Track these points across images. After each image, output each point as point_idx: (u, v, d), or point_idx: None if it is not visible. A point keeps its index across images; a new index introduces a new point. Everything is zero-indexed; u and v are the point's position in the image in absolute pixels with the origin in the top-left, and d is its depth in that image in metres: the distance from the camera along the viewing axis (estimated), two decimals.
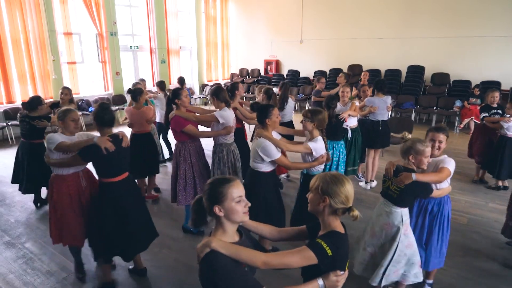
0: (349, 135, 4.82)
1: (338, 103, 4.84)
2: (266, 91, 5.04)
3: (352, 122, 4.88)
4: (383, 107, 5.09)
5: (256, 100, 5.44)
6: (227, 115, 3.81)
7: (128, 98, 6.15)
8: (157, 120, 6.04)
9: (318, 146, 3.15)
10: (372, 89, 5.46)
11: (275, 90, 6.20)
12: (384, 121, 5.18)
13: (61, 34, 9.01)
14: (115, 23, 9.89)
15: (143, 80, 6.75)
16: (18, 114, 4.57)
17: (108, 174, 2.91)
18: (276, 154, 3.07)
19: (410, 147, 2.58)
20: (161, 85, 6.55)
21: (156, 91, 6.81)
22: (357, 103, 4.91)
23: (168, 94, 5.78)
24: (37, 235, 4.04)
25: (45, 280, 3.26)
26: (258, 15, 13.17)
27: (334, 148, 4.32)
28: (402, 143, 2.65)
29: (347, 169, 4.85)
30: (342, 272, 1.59)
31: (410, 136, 2.66)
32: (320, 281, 1.55)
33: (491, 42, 9.22)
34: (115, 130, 2.98)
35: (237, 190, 1.53)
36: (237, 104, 4.58)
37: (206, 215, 1.60)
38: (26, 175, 4.51)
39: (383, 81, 5.28)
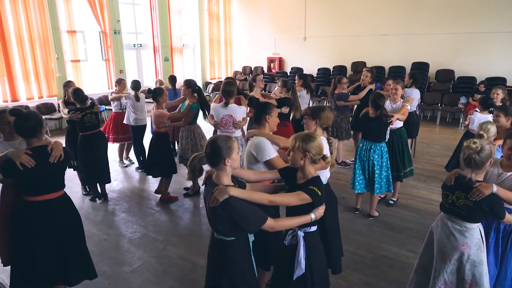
0: (387, 137, 4.18)
1: (388, 103, 4.43)
2: (284, 83, 4.83)
3: (396, 124, 4.33)
4: (417, 98, 5.32)
5: (274, 92, 5.41)
6: (216, 110, 4.01)
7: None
8: (132, 123, 5.73)
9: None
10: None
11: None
12: (415, 111, 5.44)
13: (65, 32, 9.03)
14: (118, 21, 9.90)
15: (122, 80, 6.06)
16: (77, 112, 4.53)
17: (27, 191, 2.47)
18: (273, 153, 2.65)
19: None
20: (135, 84, 5.88)
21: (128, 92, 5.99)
22: (409, 106, 4.40)
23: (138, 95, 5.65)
24: None
25: None
26: (261, 13, 13.13)
27: (372, 150, 4.04)
28: (473, 153, 2.18)
29: (398, 174, 4.44)
30: (324, 205, 2.08)
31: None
32: (313, 215, 2.03)
33: (496, 38, 9.13)
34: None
35: (236, 144, 2.01)
36: (258, 95, 4.77)
37: (201, 170, 2.07)
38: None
39: (418, 74, 5.46)
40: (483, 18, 9.22)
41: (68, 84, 5.06)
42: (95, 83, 10.40)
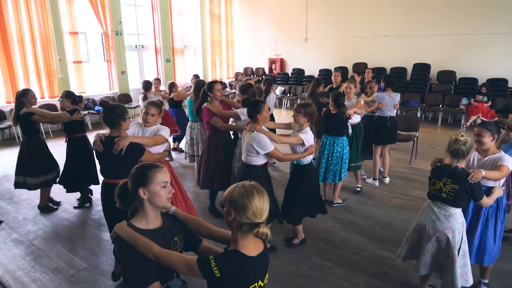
0: (350, 131, 4.64)
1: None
2: (249, 86, 5.11)
3: (354, 119, 4.78)
4: (391, 103, 5.08)
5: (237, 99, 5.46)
6: None
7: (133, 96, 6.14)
8: None
9: (308, 136, 3.35)
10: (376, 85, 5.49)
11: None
12: (391, 117, 5.18)
13: (67, 34, 9.05)
14: (120, 22, 9.92)
15: (158, 79, 6.52)
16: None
17: (100, 170, 2.88)
18: (271, 147, 3.17)
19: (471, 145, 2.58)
20: (145, 84, 6.16)
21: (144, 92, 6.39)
22: (362, 100, 4.86)
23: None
24: (44, 232, 4.07)
25: (53, 277, 3.27)
26: (263, 14, 13.15)
27: (336, 144, 4.35)
28: (461, 145, 2.51)
29: (349, 165, 4.74)
30: None
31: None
32: None
33: (498, 39, 9.13)
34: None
35: (163, 176, 1.61)
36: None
37: (130, 198, 1.64)
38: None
39: (393, 77, 5.23)
40: (484, 19, 9.22)
41: (24, 92, 4.56)
42: (97, 84, 10.42)
